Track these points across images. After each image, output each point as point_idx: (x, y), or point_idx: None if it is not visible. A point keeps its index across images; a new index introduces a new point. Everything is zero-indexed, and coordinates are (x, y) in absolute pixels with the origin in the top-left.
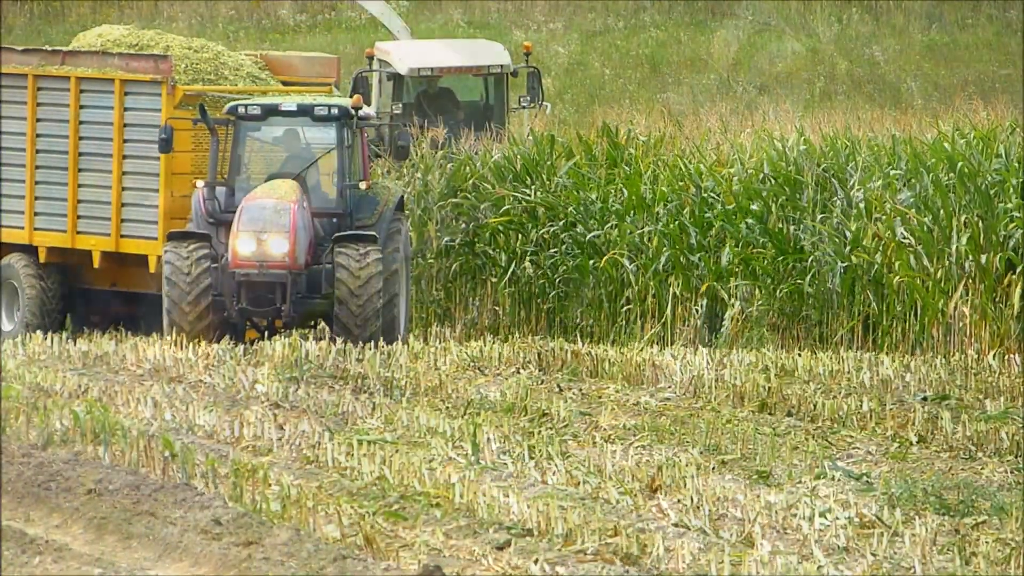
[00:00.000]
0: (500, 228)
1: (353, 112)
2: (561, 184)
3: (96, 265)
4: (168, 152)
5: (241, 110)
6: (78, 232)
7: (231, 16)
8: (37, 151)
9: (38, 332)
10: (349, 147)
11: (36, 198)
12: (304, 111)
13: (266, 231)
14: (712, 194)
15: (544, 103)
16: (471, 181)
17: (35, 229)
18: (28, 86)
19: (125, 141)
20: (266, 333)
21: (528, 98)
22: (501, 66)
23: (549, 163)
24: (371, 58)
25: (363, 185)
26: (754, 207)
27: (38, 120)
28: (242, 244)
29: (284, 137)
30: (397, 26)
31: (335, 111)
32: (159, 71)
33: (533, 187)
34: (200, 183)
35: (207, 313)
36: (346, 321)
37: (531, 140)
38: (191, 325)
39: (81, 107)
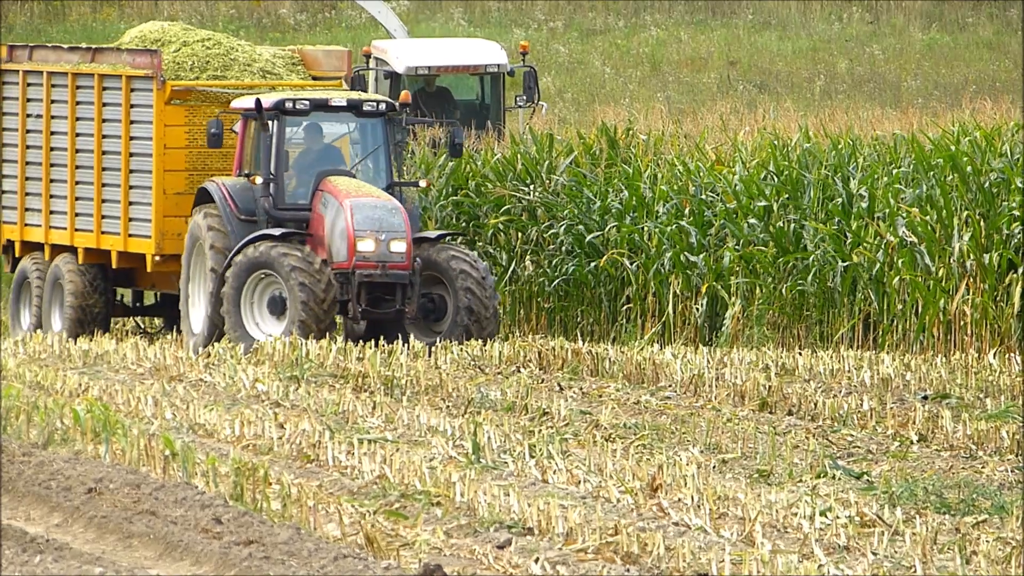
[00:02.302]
0: (500, 227)
1: (401, 108)
2: (561, 183)
3: (114, 265)
4: (219, 147)
5: (289, 104)
6: (102, 232)
7: (231, 15)
8: (76, 150)
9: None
10: (398, 143)
11: (76, 198)
12: (353, 106)
13: (384, 231)
14: (712, 193)
15: (540, 102)
16: (472, 181)
17: (75, 230)
18: (68, 84)
19: (131, 138)
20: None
21: (524, 97)
22: (498, 65)
23: (548, 162)
24: (368, 56)
25: (423, 183)
26: (761, 203)
27: (77, 119)
28: (364, 245)
29: (306, 132)
30: (394, 25)
31: (382, 107)
32: (152, 66)
33: (532, 186)
34: (259, 179)
35: (335, 314)
36: (469, 324)
37: (530, 139)
38: (325, 326)
39: (104, 105)
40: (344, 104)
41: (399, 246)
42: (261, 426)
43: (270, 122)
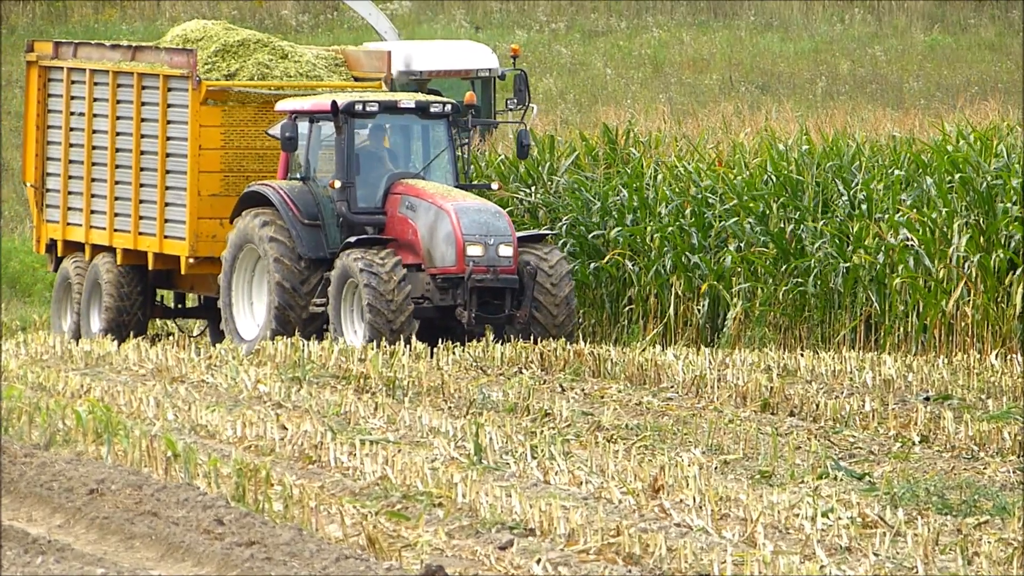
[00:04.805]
0: None
1: (466, 110)
2: (562, 184)
3: (151, 267)
4: (294, 151)
5: (358, 107)
6: (139, 233)
7: (233, 16)
8: (116, 150)
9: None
10: (466, 144)
11: (115, 198)
12: (420, 108)
13: (491, 235)
14: (711, 194)
15: (531, 105)
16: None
17: (114, 230)
18: (109, 83)
19: (168, 138)
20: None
21: (515, 100)
22: (489, 69)
23: (550, 163)
24: None
25: (495, 185)
26: (760, 205)
27: (117, 118)
28: (474, 250)
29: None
30: (384, 27)
31: (448, 108)
32: (188, 66)
33: (534, 188)
34: (338, 183)
35: (410, 322)
36: (545, 324)
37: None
38: (396, 329)
39: (142, 104)
40: (412, 106)
41: (506, 250)
42: (263, 427)
43: (344, 125)
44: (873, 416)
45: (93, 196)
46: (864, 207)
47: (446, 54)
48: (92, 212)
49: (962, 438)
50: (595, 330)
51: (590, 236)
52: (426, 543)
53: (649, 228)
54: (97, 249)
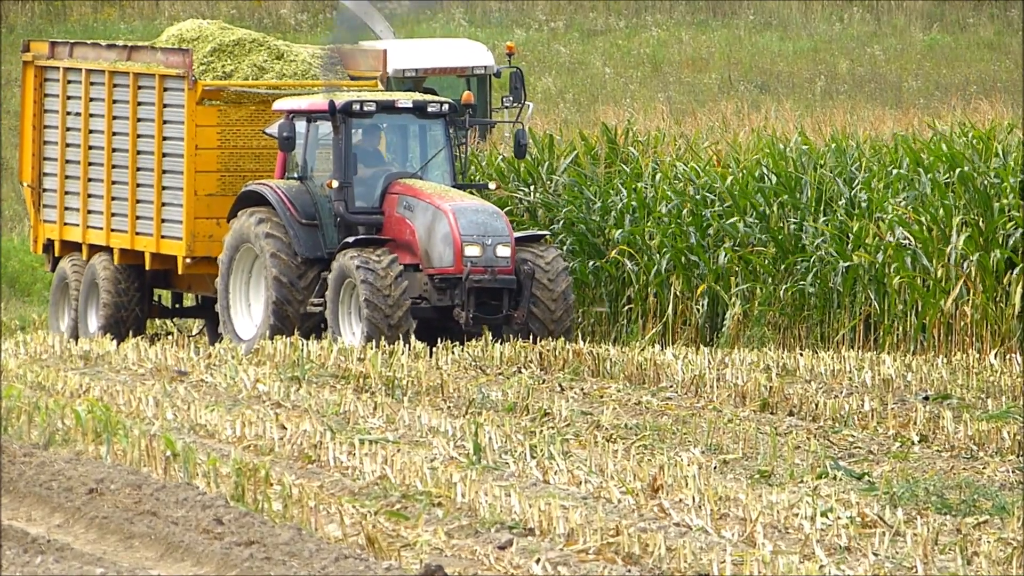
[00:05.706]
0: None
1: (467, 109)
2: (562, 183)
3: (148, 267)
4: (291, 150)
5: (356, 107)
6: (136, 233)
7: (232, 15)
8: (113, 150)
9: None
10: (463, 144)
11: (112, 198)
12: (417, 107)
13: (489, 236)
14: (710, 193)
15: (526, 103)
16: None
17: (111, 230)
18: (105, 83)
19: (164, 138)
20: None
21: (511, 98)
22: (484, 67)
23: (549, 163)
24: None
25: (492, 185)
26: (758, 204)
27: (113, 118)
28: (472, 251)
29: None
30: (380, 26)
31: (445, 108)
32: (184, 65)
33: (533, 187)
34: (335, 183)
35: (407, 318)
36: (543, 320)
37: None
38: (394, 326)
39: (138, 104)
40: (409, 106)
41: (504, 251)
42: (262, 427)
43: (341, 125)
44: (872, 416)
45: (90, 196)
46: (864, 206)
47: (441, 52)
48: (89, 212)
49: (961, 438)
50: (594, 329)
51: (587, 233)
52: (425, 543)
53: (648, 227)
54: (94, 249)
